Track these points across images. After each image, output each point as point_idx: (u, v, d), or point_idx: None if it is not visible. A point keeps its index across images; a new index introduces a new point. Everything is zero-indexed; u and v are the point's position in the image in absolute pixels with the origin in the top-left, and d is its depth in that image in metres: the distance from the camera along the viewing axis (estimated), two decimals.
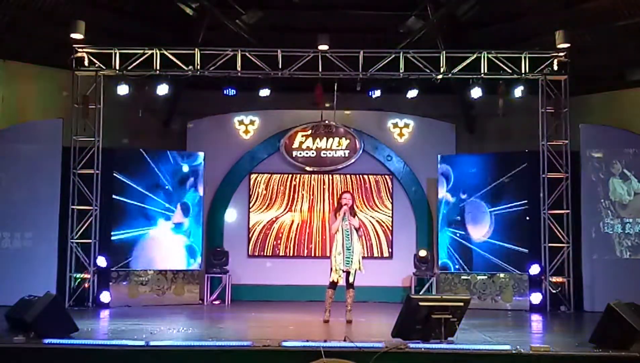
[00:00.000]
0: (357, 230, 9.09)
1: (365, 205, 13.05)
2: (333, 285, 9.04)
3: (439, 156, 12.48)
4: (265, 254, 13.10)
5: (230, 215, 13.25)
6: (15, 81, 11.74)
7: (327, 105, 12.44)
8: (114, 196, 11.61)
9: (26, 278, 10.72)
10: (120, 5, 12.54)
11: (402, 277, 12.75)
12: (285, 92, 12.46)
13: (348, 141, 13.17)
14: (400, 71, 11.62)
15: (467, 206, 12.11)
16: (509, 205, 11.79)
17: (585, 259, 11.47)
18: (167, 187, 12.05)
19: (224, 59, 11.55)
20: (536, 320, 10.34)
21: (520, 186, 11.79)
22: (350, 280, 9.02)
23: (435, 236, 12.72)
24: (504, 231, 11.78)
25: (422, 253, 12.50)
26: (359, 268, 9.02)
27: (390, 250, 13.06)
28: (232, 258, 12.50)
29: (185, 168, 12.29)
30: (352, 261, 8.95)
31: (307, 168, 13.18)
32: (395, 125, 13.35)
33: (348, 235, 9.00)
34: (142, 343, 6.62)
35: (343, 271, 8.96)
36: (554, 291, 11.39)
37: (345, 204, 9.04)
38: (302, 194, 13.18)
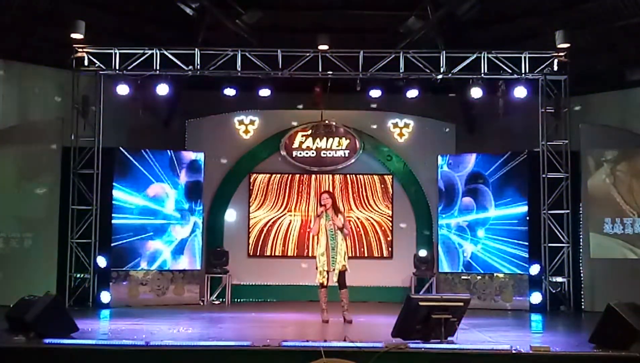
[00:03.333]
0: (341, 229, 9.07)
1: (365, 205, 13.05)
2: (322, 285, 9.09)
3: (439, 156, 12.48)
4: (265, 254, 13.09)
5: (230, 215, 13.25)
6: (15, 81, 11.73)
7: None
8: (113, 196, 11.60)
9: (26, 278, 10.73)
10: (120, 5, 12.54)
11: (402, 277, 12.74)
12: (285, 92, 12.46)
13: (348, 141, 13.17)
14: (400, 71, 11.62)
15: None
16: (508, 206, 11.78)
17: (585, 259, 11.47)
18: (166, 187, 12.04)
19: (224, 59, 11.55)
20: (536, 320, 10.34)
21: (520, 186, 11.79)
22: (335, 279, 9.04)
23: (435, 236, 12.72)
24: (504, 231, 11.78)
25: (422, 253, 12.51)
26: (344, 267, 9.01)
27: (390, 250, 13.05)
28: (232, 258, 12.50)
29: (185, 168, 12.28)
30: (336, 261, 8.96)
31: (307, 168, 13.17)
32: (395, 125, 13.34)
33: (332, 235, 9.02)
34: (142, 343, 6.63)
35: (327, 272, 8.98)
36: (554, 291, 11.39)
37: (324, 204, 9.04)
38: (302, 194, 13.17)
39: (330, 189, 12.98)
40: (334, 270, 9.01)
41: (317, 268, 9.07)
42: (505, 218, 11.80)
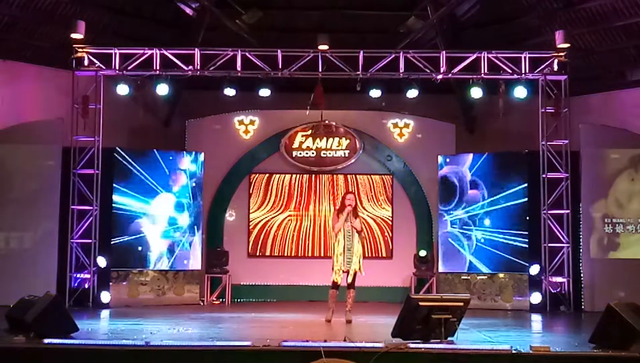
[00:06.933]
0: (359, 232, 9.12)
1: (365, 205, 13.04)
2: (335, 285, 9.11)
3: (439, 156, 12.48)
4: (265, 254, 13.09)
5: (230, 215, 13.24)
6: (15, 81, 11.73)
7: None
8: (113, 196, 11.60)
9: (26, 278, 10.72)
10: (120, 5, 12.55)
11: (402, 277, 12.74)
12: (285, 92, 12.46)
13: (348, 141, 13.17)
14: (400, 71, 11.62)
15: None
16: (508, 206, 11.78)
17: (585, 259, 11.47)
18: (167, 187, 12.03)
19: (224, 59, 11.55)
20: (536, 320, 10.34)
21: (520, 186, 11.78)
22: (349, 280, 9.06)
23: (435, 236, 12.72)
24: (504, 231, 11.77)
25: (422, 253, 12.50)
26: (359, 269, 9.06)
27: (390, 250, 13.05)
28: (232, 258, 12.50)
29: (185, 168, 12.27)
30: (352, 262, 9.00)
31: (307, 168, 13.17)
32: (395, 125, 13.34)
33: (349, 235, 9.05)
34: (142, 343, 6.63)
35: (343, 272, 9.01)
36: (554, 291, 11.39)
37: (349, 205, 9.09)
38: (302, 194, 13.17)
39: (331, 189, 13.03)
40: (347, 270, 9.03)
41: (333, 268, 9.09)
42: (504, 218, 11.79)
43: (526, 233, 11.60)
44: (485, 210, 11.94)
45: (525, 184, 11.72)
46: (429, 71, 11.63)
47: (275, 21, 13.22)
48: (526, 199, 11.69)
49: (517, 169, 11.86)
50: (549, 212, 11.50)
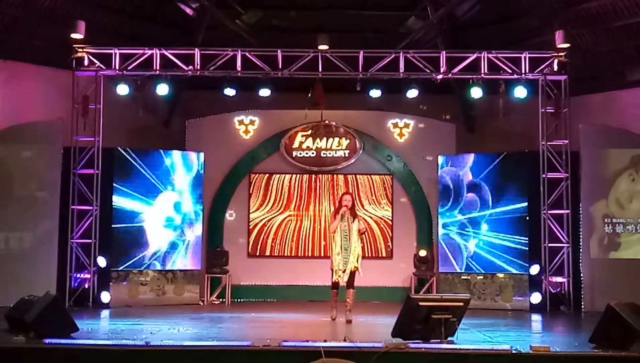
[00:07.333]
0: (362, 233, 9.16)
1: (365, 205, 13.04)
2: (335, 285, 9.17)
3: (439, 156, 12.48)
4: (264, 254, 13.09)
5: (230, 215, 13.24)
6: (15, 81, 11.73)
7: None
8: (113, 196, 11.60)
9: (26, 278, 10.71)
10: (120, 5, 12.55)
11: (402, 277, 12.75)
12: (285, 92, 12.46)
13: (348, 141, 13.16)
14: (400, 71, 11.62)
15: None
16: (508, 205, 11.77)
17: (585, 259, 11.47)
18: (167, 187, 12.03)
19: (224, 59, 11.55)
20: (536, 320, 10.34)
21: (520, 186, 11.78)
22: (345, 279, 9.08)
23: (435, 236, 12.72)
24: (504, 231, 11.78)
25: (422, 253, 12.50)
26: (357, 269, 9.07)
27: (390, 250, 13.05)
28: (232, 258, 12.50)
29: (185, 168, 12.27)
30: (349, 262, 9.02)
31: (307, 168, 13.17)
32: (395, 125, 13.33)
33: (346, 235, 9.08)
34: (142, 343, 6.63)
35: (342, 272, 9.03)
36: (554, 291, 11.40)
37: (345, 205, 9.11)
38: (302, 194, 13.17)
39: (331, 189, 13.04)
40: (344, 270, 9.05)
41: (331, 268, 9.13)
42: (504, 218, 11.79)
43: (526, 233, 11.60)
44: (485, 211, 11.94)
45: (526, 185, 11.72)
46: (429, 71, 11.63)
47: (275, 21, 13.22)
48: (526, 199, 11.69)
49: (517, 169, 11.85)
50: (549, 212, 11.50)
